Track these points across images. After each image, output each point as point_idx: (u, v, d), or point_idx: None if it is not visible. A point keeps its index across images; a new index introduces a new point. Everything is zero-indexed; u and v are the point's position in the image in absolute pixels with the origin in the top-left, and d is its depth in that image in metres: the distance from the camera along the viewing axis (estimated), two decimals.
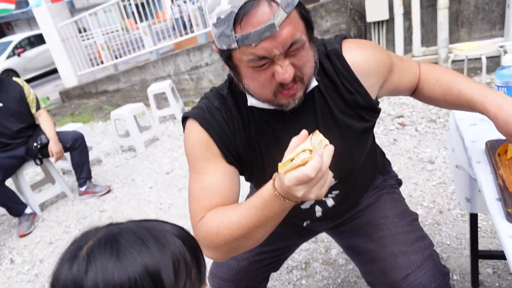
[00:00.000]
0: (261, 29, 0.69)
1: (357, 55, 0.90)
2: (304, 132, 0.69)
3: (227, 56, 0.77)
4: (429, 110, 3.18)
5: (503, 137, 0.98)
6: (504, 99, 0.86)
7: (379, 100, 0.98)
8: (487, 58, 2.95)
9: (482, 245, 1.66)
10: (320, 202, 1.06)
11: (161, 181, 3.17)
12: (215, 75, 5.68)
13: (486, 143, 0.98)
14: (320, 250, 1.93)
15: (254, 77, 0.77)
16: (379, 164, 1.19)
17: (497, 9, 3.98)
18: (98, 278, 0.44)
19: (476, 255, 1.39)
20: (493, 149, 0.94)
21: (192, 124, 0.91)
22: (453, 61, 3.20)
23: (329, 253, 1.90)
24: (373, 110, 0.94)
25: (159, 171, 3.36)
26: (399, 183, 1.25)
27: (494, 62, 3.70)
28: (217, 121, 0.90)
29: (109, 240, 0.48)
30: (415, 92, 1.05)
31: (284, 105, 0.82)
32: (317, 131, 0.67)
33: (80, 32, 7.19)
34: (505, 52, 1.14)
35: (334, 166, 0.89)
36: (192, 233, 0.70)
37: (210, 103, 0.92)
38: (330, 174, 0.69)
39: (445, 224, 1.88)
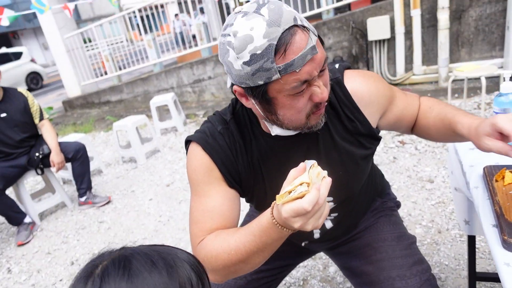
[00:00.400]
0: (304, 54, 0.71)
1: (358, 84, 0.93)
2: (302, 164, 0.71)
3: (263, 91, 0.76)
4: None
5: (501, 162, 1.00)
6: (478, 119, 0.86)
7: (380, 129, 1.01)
8: (487, 78, 2.99)
9: (480, 267, 1.67)
10: None
11: (161, 193, 3.18)
12: (217, 88, 5.73)
13: (484, 169, 0.99)
14: (318, 267, 1.93)
15: (293, 105, 0.77)
16: (378, 187, 1.21)
17: (497, 30, 4.05)
18: None
19: (474, 276, 1.40)
20: (490, 175, 0.96)
21: (195, 148, 0.93)
22: (453, 81, 3.24)
23: (327, 270, 1.90)
24: (374, 137, 0.96)
25: (159, 183, 3.37)
26: (398, 205, 1.26)
27: (494, 82, 3.74)
28: (220, 146, 0.92)
29: (122, 260, 0.51)
30: (415, 127, 1.06)
31: (314, 126, 0.84)
32: (315, 164, 0.69)
33: (85, 42, 7.28)
34: (504, 79, 1.17)
35: (334, 190, 0.90)
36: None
37: (213, 128, 0.94)
38: (327, 206, 0.70)
39: (444, 244, 1.88)
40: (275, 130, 0.87)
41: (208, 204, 0.89)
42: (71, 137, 3.72)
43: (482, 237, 1.82)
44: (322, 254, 1.98)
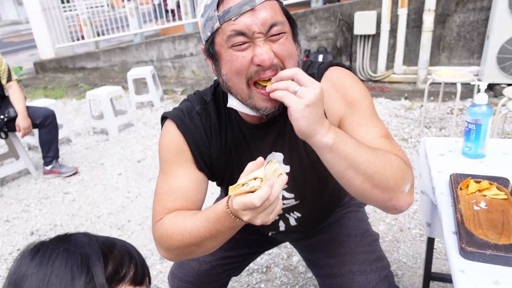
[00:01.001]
0: (242, 3, 0.72)
1: (332, 78, 0.88)
2: (260, 159, 0.70)
3: (210, 43, 0.78)
4: (402, 129, 3.28)
5: (468, 171, 1.03)
6: None
7: None
8: (462, 84, 3.07)
9: (436, 266, 1.74)
10: (283, 218, 1.08)
11: (131, 169, 3.12)
12: (198, 66, 5.61)
13: (451, 176, 1.02)
14: (282, 256, 1.96)
15: (233, 60, 0.75)
16: None
17: (477, 38, 4.14)
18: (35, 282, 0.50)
19: (429, 276, 1.46)
20: (456, 183, 0.99)
21: (170, 125, 0.91)
22: (430, 84, 3.32)
23: (290, 259, 1.93)
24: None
25: (130, 158, 3.30)
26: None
27: (469, 89, 3.85)
28: (195, 126, 0.90)
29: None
30: None
31: (261, 108, 0.79)
32: (274, 160, 0.69)
33: (62, 2, 6.91)
34: (479, 90, 1.20)
35: (295, 187, 0.89)
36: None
37: (191, 107, 0.93)
38: (280, 203, 0.70)
39: (404, 242, 1.95)
40: (231, 101, 0.85)
41: (174, 184, 0.89)
42: (41, 102, 3.56)
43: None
44: (287, 243, 2.01)
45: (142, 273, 0.58)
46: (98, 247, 0.53)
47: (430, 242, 1.39)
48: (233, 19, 0.73)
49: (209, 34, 0.77)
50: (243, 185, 0.66)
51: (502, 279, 0.72)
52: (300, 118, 0.69)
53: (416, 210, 2.18)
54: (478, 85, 1.20)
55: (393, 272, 1.07)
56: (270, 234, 1.18)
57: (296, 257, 1.93)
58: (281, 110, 0.81)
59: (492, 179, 0.98)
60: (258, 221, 0.68)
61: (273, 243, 1.32)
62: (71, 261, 0.51)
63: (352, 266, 1.04)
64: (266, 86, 0.76)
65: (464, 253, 0.78)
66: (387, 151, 0.77)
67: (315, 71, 0.89)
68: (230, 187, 0.67)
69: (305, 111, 0.68)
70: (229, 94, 0.84)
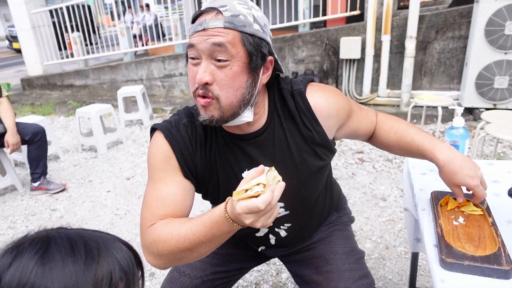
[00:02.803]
0: (200, 22, 0.84)
1: (319, 97, 0.99)
2: (261, 167, 0.76)
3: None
4: None
5: (447, 189, 1.10)
6: (450, 151, 0.99)
7: (336, 141, 1.09)
8: (443, 108, 3.22)
9: (420, 283, 1.80)
10: (273, 232, 1.13)
11: (120, 186, 3.12)
12: (187, 86, 5.63)
13: (432, 193, 1.09)
14: (272, 273, 1.99)
15: (188, 70, 0.87)
16: (334, 201, 1.28)
17: (457, 65, 4.36)
18: (15, 275, 0.45)
19: None
20: (436, 200, 1.06)
21: (158, 135, 0.97)
22: (413, 107, 3.46)
23: (279, 276, 1.96)
24: (329, 149, 1.02)
25: (119, 176, 3.31)
26: (352, 220, 1.34)
27: (449, 113, 4.02)
28: (182, 137, 0.96)
29: (41, 241, 0.49)
30: (372, 138, 1.15)
31: (200, 116, 0.88)
32: (273, 168, 0.75)
33: (52, 17, 6.94)
34: (456, 114, 1.30)
35: (285, 197, 0.96)
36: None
37: (179, 119, 0.99)
38: (277, 207, 0.76)
39: (390, 259, 2.01)
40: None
41: (162, 191, 0.93)
42: (29, 118, 3.56)
43: (424, 255, 1.97)
44: (276, 260, 2.04)
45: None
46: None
47: (414, 257, 1.45)
48: (191, 34, 0.85)
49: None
50: (246, 190, 0.71)
51: (478, 287, 0.79)
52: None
53: (401, 228, 2.25)
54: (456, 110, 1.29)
55: None
56: (260, 249, 1.22)
57: (285, 274, 1.96)
58: (267, 122, 0.95)
59: (469, 196, 1.05)
60: (258, 224, 0.73)
61: (263, 258, 1.35)
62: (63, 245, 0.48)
63: (338, 283, 1.08)
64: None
65: (444, 264, 0.84)
66: (394, 123, 1.10)
67: (301, 86, 0.99)
68: (234, 192, 0.72)
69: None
70: None
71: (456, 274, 0.83)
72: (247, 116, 0.91)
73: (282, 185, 0.74)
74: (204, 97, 0.85)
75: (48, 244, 0.48)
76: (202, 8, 0.86)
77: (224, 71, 0.83)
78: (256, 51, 0.85)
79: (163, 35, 6.14)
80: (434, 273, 0.84)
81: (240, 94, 0.86)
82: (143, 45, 6.69)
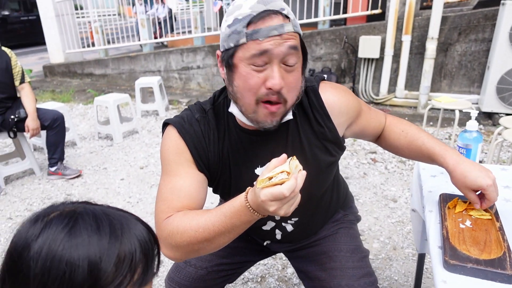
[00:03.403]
0: (272, 27, 0.81)
1: (331, 95, 1.01)
2: (284, 155, 0.77)
3: (230, 54, 0.84)
4: None
5: (457, 192, 1.10)
6: (459, 157, 1.00)
7: (350, 140, 1.09)
8: (461, 111, 3.16)
9: (425, 285, 1.79)
10: (280, 226, 1.14)
11: (133, 175, 3.18)
12: (204, 79, 5.73)
13: (440, 195, 1.09)
14: (277, 267, 2.01)
15: (248, 77, 0.83)
16: (341, 198, 1.28)
17: (478, 68, 4.26)
18: (44, 246, 0.48)
19: None
20: (444, 202, 1.05)
21: (171, 130, 0.98)
22: (430, 109, 3.41)
23: (285, 271, 1.98)
24: (339, 146, 1.04)
25: (133, 165, 3.37)
26: (358, 219, 1.34)
27: (467, 117, 3.94)
28: (194, 131, 0.97)
29: (70, 216, 0.51)
30: (380, 139, 1.16)
31: (261, 123, 0.89)
32: (294, 157, 0.76)
33: (76, 8, 7.08)
34: (470, 117, 1.29)
35: None
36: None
37: (191, 115, 1.00)
38: (299, 196, 0.77)
39: (397, 260, 2.00)
40: (232, 108, 0.94)
41: (177, 183, 0.94)
42: (49, 105, 3.65)
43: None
44: (282, 255, 2.05)
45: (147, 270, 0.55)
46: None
47: (421, 258, 1.44)
48: (260, 39, 0.80)
49: (232, 45, 0.84)
50: (270, 178, 0.71)
51: None
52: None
53: (409, 230, 2.23)
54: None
55: (379, 286, 1.13)
56: (265, 243, 1.23)
57: (291, 269, 1.97)
58: (277, 127, 0.92)
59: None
60: (281, 212, 0.74)
61: (268, 253, 1.36)
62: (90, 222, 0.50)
63: (341, 280, 1.09)
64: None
65: (447, 265, 0.84)
66: (405, 126, 1.11)
67: (315, 84, 1.01)
68: (258, 180, 0.73)
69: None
70: (232, 102, 0.93)
71: (458, 276, 0.82)
72: (289, 115, 0.94)
73: (304, 173, 0.75)
74: (275, 103, 0.86)
75: (75, 220, 0.50)
76: (257, 11, 0.81)
77: (293, 74, 0.85)
78: (306, 51, 0.90)
79: (176, 29, 6.15)
80: (437, 274, 0.84)
81: (298, 95, 0.90)
82: (155, 37, 6.70)
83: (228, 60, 0.86)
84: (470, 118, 1.24)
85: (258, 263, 2.02)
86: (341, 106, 1.01)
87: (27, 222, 0.52)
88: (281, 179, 0.71)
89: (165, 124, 1.01)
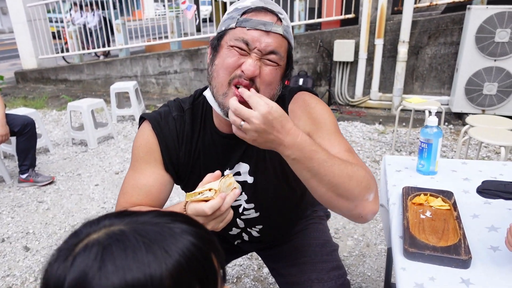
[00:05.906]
0: (262, 21, 0.84)
1: (299, 100, 0.97)
2: (217, 172, 0.79)
3: (219, 36, 0.88)
4: (374, 151, 3.42)
5: (419, 185, 1.13)
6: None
7: None
8: (431, 112, 3.27)
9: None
10: (246, 231, 1.14)
11: (108, 180, 3.13)
12: (182, 83, 5.71)
13: (403, 189, 1.12)
14: (253, 267, 2.01)
15: (228, 56, 0.85)
16: (311, 196, 1.29)
17: (448, 70, 4.41)
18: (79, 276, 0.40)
19: (388, 285, 1.54)
20: (406, 194, 1.09)
21: (146, 126, 0.99)
22: (402, 110, 3.50)
23: (261, 271, 1.98)
24: None
25: (108, 170, 3.31)
26: (328, 216, 1.37)
27: (438, 117, 4.07)
28: (169, 129, 0.98)
29: (97, 245, 0.42)
30: None
31: (227, 108, 0.83)
32: (230, 175, 0.77)
33: (49, 12, 6.92)
34: (430, 113, 1.33)
35: (255, 197, 0.97)
36: None
37: (169, 111, 1.01)
38: (230, 213, 0.78)
39: (370, 257, 2.04)
40: (206, 92, 0.94)
41: (140, 181, 0.96)
42: (20, 111, 3.55)
43: None
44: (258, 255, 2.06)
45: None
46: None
47: (390, 252, 1.48)
48: (246, 28, 0.84)
49: (223, 28, 0.88)
50: (199, 193, 0.74)
51: (437, 275, 0.81)
52: (253, 143, 0.79)
53: (382, 227, 2.28)
54: (430, 111, 1.32)
55: (353, 282, 1.15)
56: (236, 243, 1.24)
57: (266, 269, 1.98)
58: None
59: (438, 192, 1.09)
60: (209, 227, 0.76)
61: (240, 252, 1.37)
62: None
63: (311, 274, 1.11)
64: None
65: (406, 253, 0.87)
66: (352, 163, 0.83)
67: (286, 93, 0.99)
68: (187, 194, 0.75)
69: (253, 142, 0.78)
70: (208, 86, 0.93)
71: (417, 263, 0.86)
72: None
73: (236, 192, 0.76)
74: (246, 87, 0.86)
75: (104, 251, 0.42)
76: (256, 5, 0.86)
77: (270, 70, 0.86)
78: (292, 60, 0.92)
79: (153, 34, 6.06)
80: (397, 262, 0.87)
81: (272, 96, 0.89)
82: (84, 48, 6.35)
83: (216, 41, 0.89)
84: (440, 117, 1.29)
85: (233, 263, 2.02)
86: (304, 109, 0.95)
87: (56, 256, 0.43)
88: (206, 196, 0.73)
89: (142, 118, 1.02)
